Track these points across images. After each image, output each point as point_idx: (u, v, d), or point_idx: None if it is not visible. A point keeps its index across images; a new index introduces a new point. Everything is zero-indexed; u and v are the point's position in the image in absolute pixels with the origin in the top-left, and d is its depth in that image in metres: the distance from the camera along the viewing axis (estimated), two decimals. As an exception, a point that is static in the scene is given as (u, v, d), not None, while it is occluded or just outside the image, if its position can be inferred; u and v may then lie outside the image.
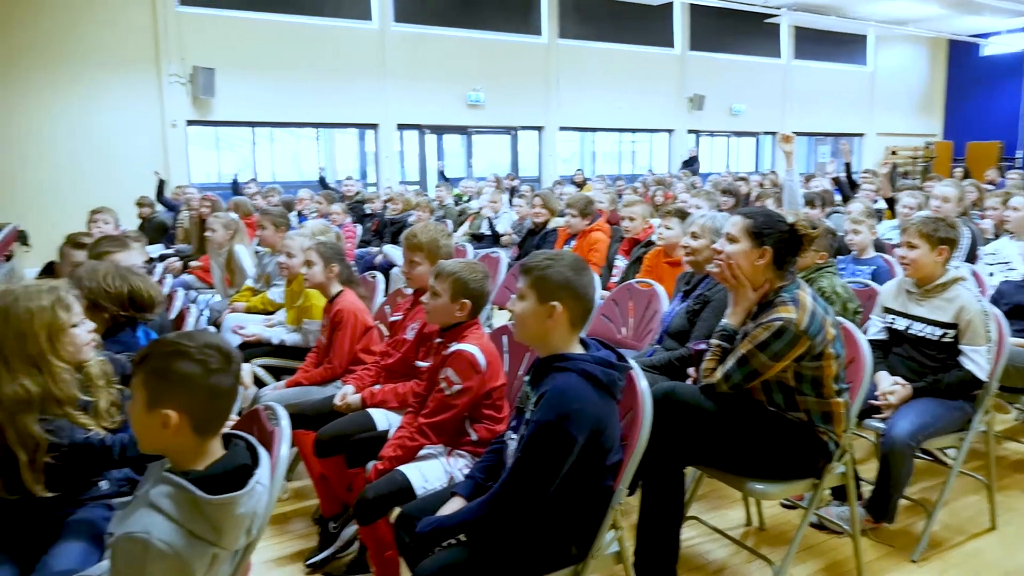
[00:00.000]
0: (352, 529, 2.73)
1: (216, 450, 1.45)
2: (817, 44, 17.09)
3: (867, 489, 2.76)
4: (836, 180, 7.73)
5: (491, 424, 2.34)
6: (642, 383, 1.96)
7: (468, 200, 9.38)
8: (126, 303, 2.39)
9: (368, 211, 7.82)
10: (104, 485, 2.01)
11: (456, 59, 12.83)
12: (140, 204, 8.11)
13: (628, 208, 4.67)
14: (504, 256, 4.68)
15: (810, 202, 5.39)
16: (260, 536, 1.51)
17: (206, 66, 10.61)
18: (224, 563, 1.42)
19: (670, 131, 15.77)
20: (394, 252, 6.32)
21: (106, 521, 1.95)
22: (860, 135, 18.17)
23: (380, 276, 3.91)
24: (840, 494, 2.81)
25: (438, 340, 2.44)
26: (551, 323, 1.82)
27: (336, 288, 3.13)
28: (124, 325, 2.44)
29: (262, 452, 1.50)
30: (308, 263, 3.07)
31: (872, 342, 2.56)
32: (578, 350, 1.86)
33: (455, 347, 2.29)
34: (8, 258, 7.37)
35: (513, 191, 9.56)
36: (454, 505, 1.91)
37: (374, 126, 12.56)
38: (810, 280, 2.99)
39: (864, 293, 3.27)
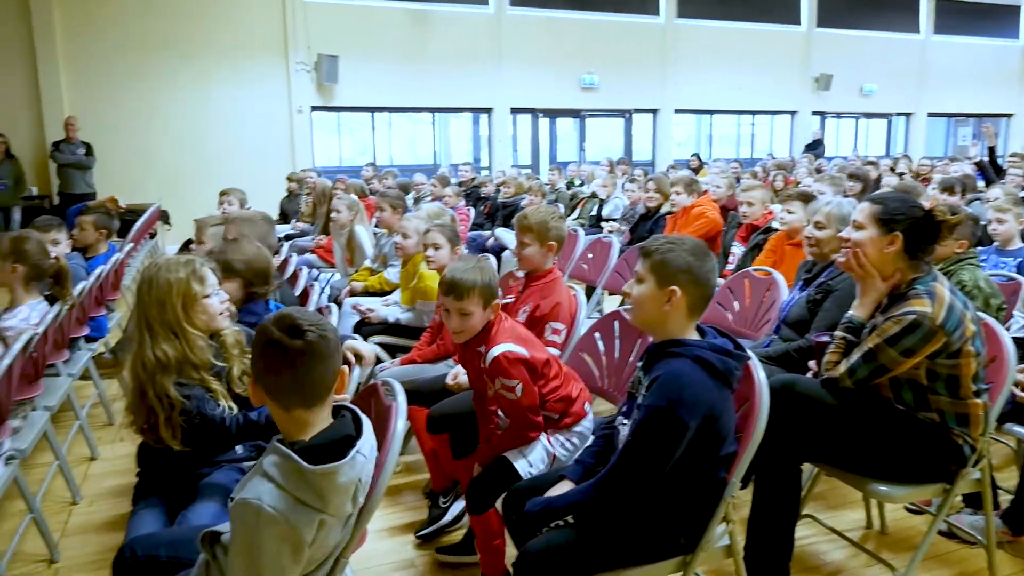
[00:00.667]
0: (461, 504, 2.80)
1: (323, 421, 1.51)
2: (961, 17, 15.82)
3: (1005, 499, 2.57)
4: (979, 164, 7.16)
5: (561, 394, 2.30)
6: (759, 374, 1.90)
7: (580, 184, 9.34)
8: (258, 277, 2.56)
9: (481, 194, 7.93)
10: (239, 450, 2.15)
11: (571, 42, 12.75)
12: (290, 179, 8.68)
13: (747, 193, 4.51)
14: (616, 241, 4.63)
15: (949, 188, 5.02)
16: (376, 505, 1.57)
17: (330, 54, 11.03)
18: (335, 529, 1.48)
19: (793, 113, 15.08)
20: (506, 235, 6.39)
21: (236, 484, 2.08)
22: (1008, 116, 16.73)
23: (492, 258, 3.96)
24: (974, 502, 2.63)
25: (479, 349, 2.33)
26: (669, 308, 1.79)
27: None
28: (257, 298, 2.60)
29: (366, 423, 1.56)
30: (434, 245, 3.15)
31: (1016, 340, 2.36)
32: (694, 337, 1.82)
33: (490, 355, 2.21)
34: (152, 235, 7.97)
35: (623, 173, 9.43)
36: (562, 488, 1.92)
37: (488, 110, 12.69)
38: (949, 272, 2.80)
39: (1008, 287, 3.02)
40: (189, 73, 10.47)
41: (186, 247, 8.65)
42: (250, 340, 2.21)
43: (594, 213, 7.14)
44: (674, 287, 1.78)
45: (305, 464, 1.39)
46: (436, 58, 11.87)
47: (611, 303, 5.03)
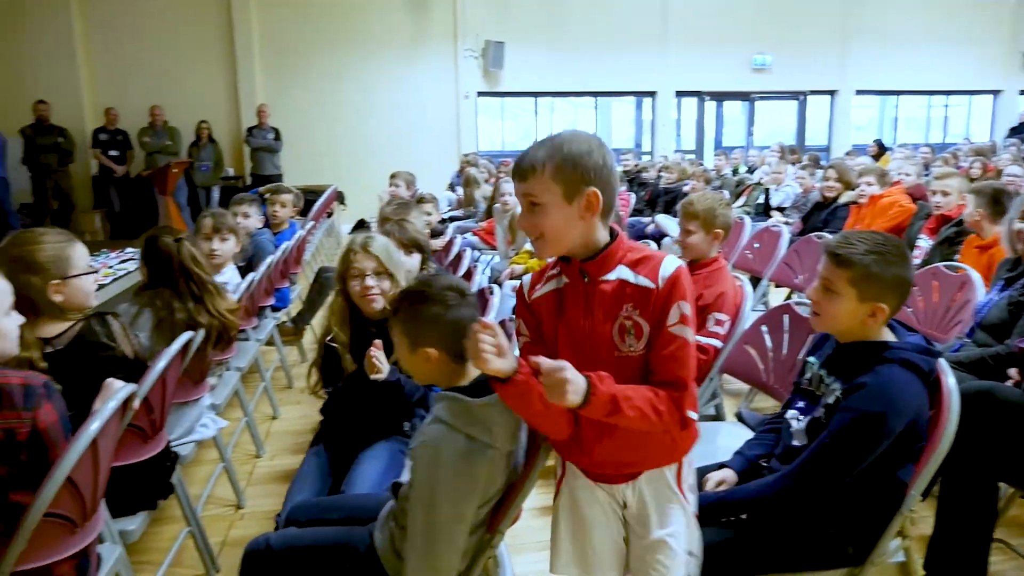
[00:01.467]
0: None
1: (472, 370, 1.61)
2: None
3: None
4: None
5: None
6: (949, 379, 1.73)
7: (747, 170, 8.95)
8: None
9: (642, 180, 7.81)
10: (406, 427, 2.28)
11: (742, 21, 12.17)
12: (466, 162, 9.09)
13: (941, 181, 4.13)
14: (785, 231, 4.39)
15: None
16: (532, 483, 1.61)
17: (497, 40, 11.24)
18: (500, 467, 1.58)
19: (995, 92, 13.56)
20: (666, 222, 6.25)
21: (402, 454, 2.22)
22: None
23: (653, 245, 3.89)
24: None
25: None
26: (871, 321, 1.67)
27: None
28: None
29: None
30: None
31: None
32: (891, 337, 1.70)
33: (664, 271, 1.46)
34: (329, 215, 8.54)
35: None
36: (719, 476, 1.87)
37: (652, 94, 12.43)
38: None
39: None
40: (367, 63, 11.06)
41: (360, 226, 9.20)
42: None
43: (761, 201, 6.82)
44: (881, 304, 1.65)
45: (470, 399, 1.52)
46: (600, 43, 11.76)
47: (777, 295, 4.79)
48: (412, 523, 1.53)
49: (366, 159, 10.82)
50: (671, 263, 1.44)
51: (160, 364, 1.94)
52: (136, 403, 1.79)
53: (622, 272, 1.46)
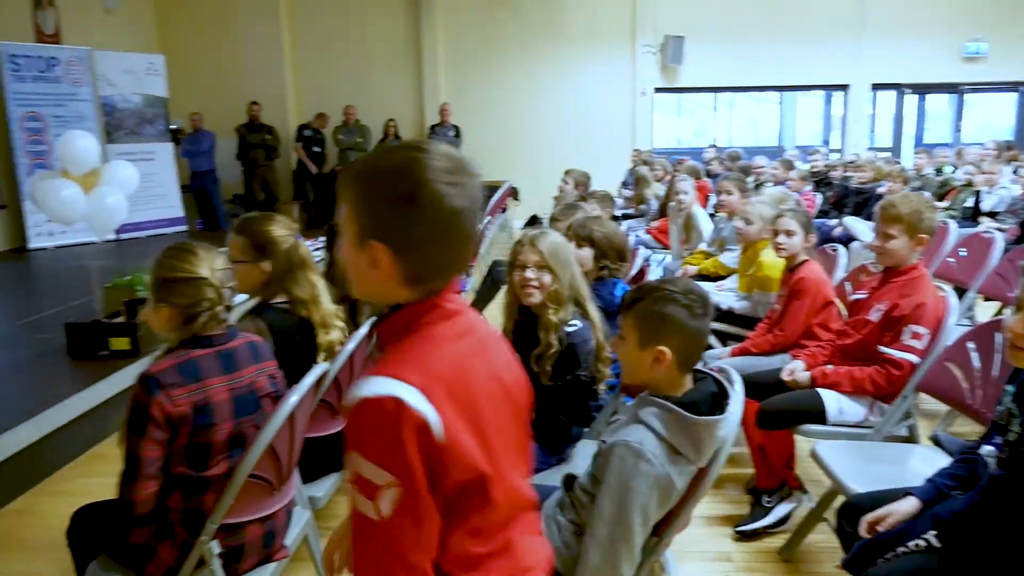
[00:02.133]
0: (787, 507, 2.65)
1: (688, 382, 1.62)
2: None
3: None
4: None
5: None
6: None
7: (953, 170, 8.12)
8: (614, 252, 2.67)
9: (829, 179, 7.32)
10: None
11: (954, 4, 11.03)
12: (638, 159, 9.08)
13: None
14: (999, 238, 3.95)
15: None
16: (706, 491, 1.57)
17: (676, 34, 10.99)
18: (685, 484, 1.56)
19: None
20: (856, 224, 5.81)
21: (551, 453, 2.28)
22: None
23: (842, 249, 3.64)
24: None
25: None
26: None
27: (803, 257, 3.02)
28: (606, 278, 2.72)
29: (732, 387, 1.63)
30: (787, 232, 2.99)
31: None
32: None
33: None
34: (504, 210, 8.77)
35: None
36: (906, 506, 1.72)
37: (844, 87, 11.61)
38: None
39: None
40: (544, 61, 11.23)
41: (532, 222, 9.37)
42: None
43: (969, 204, 6.16)
44: None
45: (690, 415, 1.50)
46: (787, 34, 11.14)
47: (985, 310, 4.32)
48: (598, 520, 1.53)
49: (540, 156, 10.99)
50: (374, 388, 0.94)
51: (349, 345, 2.09)
52: (328, 381, 1.94)
53: None
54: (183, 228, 9.50)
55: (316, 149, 10.49)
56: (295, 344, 2.13)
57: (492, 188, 8.76)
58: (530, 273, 2.29)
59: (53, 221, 4.93)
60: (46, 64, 8.25)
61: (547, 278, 2.28)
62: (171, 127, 9.72)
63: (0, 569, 2.53)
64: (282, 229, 2.19)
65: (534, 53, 11.20)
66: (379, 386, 0.92)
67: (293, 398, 1.65)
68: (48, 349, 4.13)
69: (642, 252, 3.90)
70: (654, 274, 3.85)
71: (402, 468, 0.91)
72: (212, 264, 1.73)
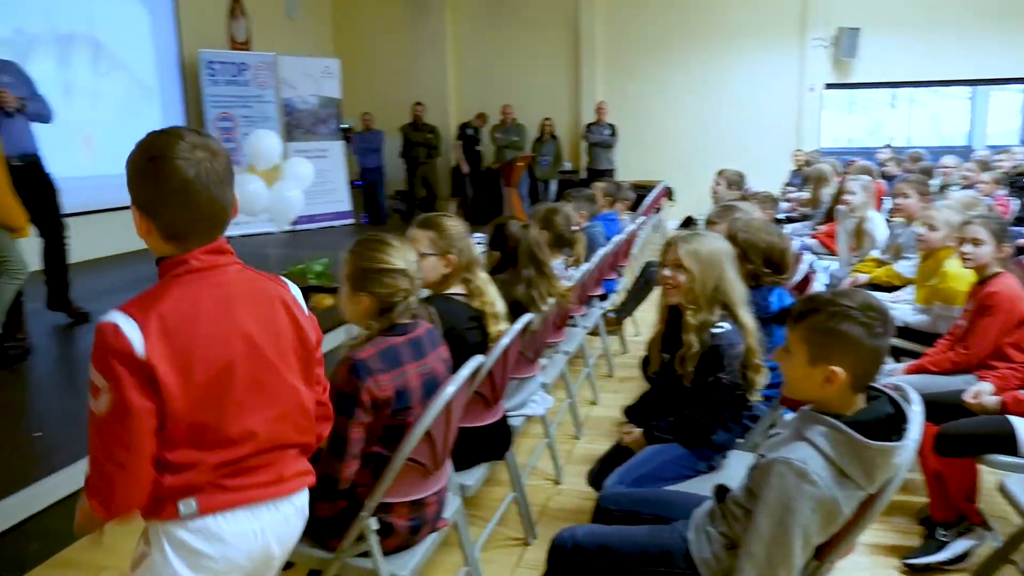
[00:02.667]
0: (966, 544, 2.41)
1: (861, 400, 1.50)
2: None
3: None
4: None
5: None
6: None
7: None
8: (767, 260, 2.55)
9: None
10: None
11: None
12: (800, 156, 8.67)
13: None
14: None
15: None
16: (875, 516, 1.46)
17: (851, 26, 10.30)
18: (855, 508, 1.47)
19: None
20: (1059, 235, 5.20)
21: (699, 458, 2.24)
22: None
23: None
24: None
25: None
26: None
27: (995, 269, 2.74)
28: (760, 283, 2.59)
29: (911, 410, 1.50)
30: (974, 241, 2.72)
31: None
32: None
33: None
34: (657, 210, 8.62)
35: None
36: None
37: (1048, 80, 10.40)
38: None
39: None
40: (705, 58, 10.89)
41: (687, 223, 9.15)
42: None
43: None
44: None
45: (863, 439, 1.40)
46: (980, 23, 10.12)
47: None
48: (754, 538, 1.47)
49: (697, 155, 10.69)
50: (106, 316, 1.22)
51: (504, 340, 2.13)
52: (483, 373, 1.99)
53: None
54: (350, 221, 10.10)
55: (477, 148, 10.80)
56: (466, 332, 2.22)
57: (646, 188, 8.63)
58: (668, 272, 2.27)
59: (239, 212, 5.40)
60: (237, 69, 9.04)
61: (683, 278, 2.24)
62: (342, 126, 10.34)
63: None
64: (461, 226, 2.30)
65: (695, 49, 10.90)
66: (110, 316, 1.20)
67: (450, 388, 1.71)
68: (231, 329, 4.51)
69: (806, 258, 3.68)
70: (819, 282, 3.64)
71: (112, 378, 1.17)
72: (407, 256, 1.81)
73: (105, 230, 7.41)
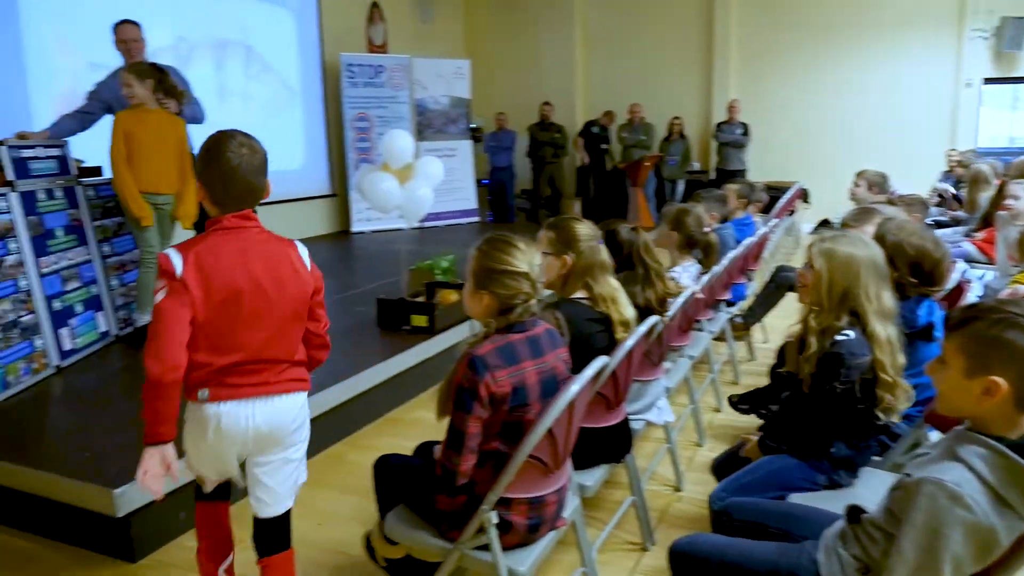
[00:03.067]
0: None
1: None
2: None
3: None
4: None
5: None
6: None
7: None
8: (916, 268, 2.38)
9: None
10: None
11: None
12: (953, 156, 8.08)
13: None
14: None
15: None
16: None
17: (1017, 15, 9.44)
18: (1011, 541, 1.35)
19: None
20: None
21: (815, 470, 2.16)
22: None
23: None
24: None
25: None
26: None
27: None
28: (907, 294, 2.42)
29: None
30: None
31: None
32: None
33: None
34: (791, 213, 8.24)
35: None
36: None
37: None
38: None
39: None
40: (846, 52, 10.32)
41: (822, 226, 8.70)
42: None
43: None
44: None
45: None
46: None
47: None
48: (899, 563, 1.37)
49: (836, 155, 10.14)
50: (166, 251, 1.77)
51: (629, 342, 2.10)
52: (606, 374, 1.97)
53: None
54: (475, 219, 10.30)
55: (603, 146, 10.75)
56: (592, 336, 2.22)
57: (779, 189, 8.28)
58: (803, 269, 2.21)
59: (372, 209, 5.60)
60: (374, 71, 9.42)
61: (810, 277, 2.16)
62: (471, 126, 10.56)
63: (312, 503, 2.95)
64: (587, 230, 2.29)
65: (836, 43, 10.33)
66: (167, 250, 1.74)
67: (574, 387, 1.70)
68: (362, 321, 4.72)
69: (958, 266, 3.41)
70: (973, 293, 3.36)
71: (161, 287, 1.70)
72: (531, 259, 1.84)
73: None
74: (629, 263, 2.83)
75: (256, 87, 8.30)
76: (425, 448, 2.13)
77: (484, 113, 11.44)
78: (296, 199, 8.83)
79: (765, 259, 5.42)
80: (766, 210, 6.28)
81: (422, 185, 4.60)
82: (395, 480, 2.04)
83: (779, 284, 4.73)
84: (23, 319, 3.57)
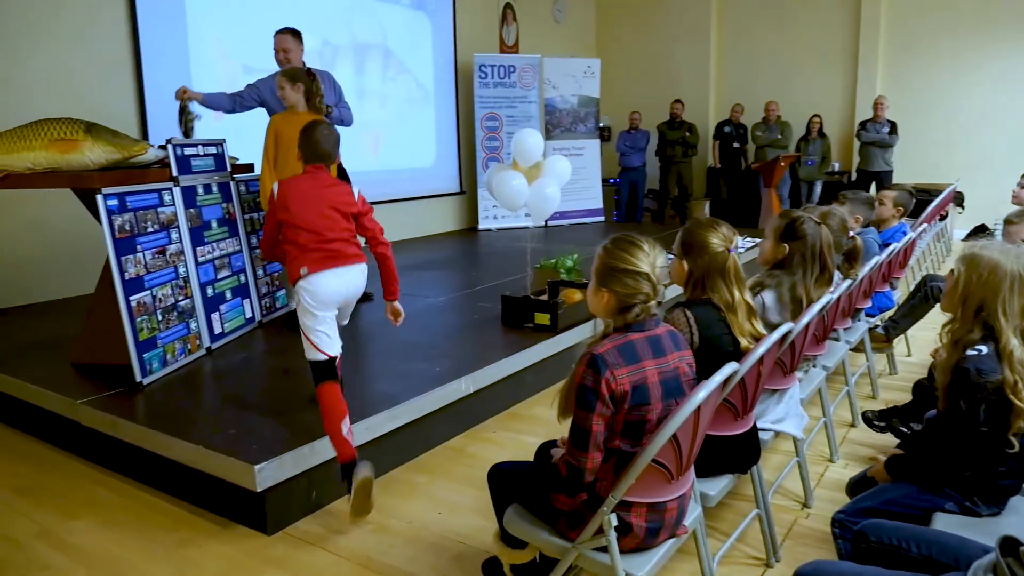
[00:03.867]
0: None
1: None
2: None
3: None
4: None
5: None
6: None
7: None
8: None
9: None
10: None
11: None
12: None
13: None
14: None
15: None
16: None
17: None
18: None
19: None
20: None
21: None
22: None
23: None
24: None
25: None
26: None
27: None
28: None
29: None
30: None
31: None
32: None
33: None
34: (942, 217, 7.66)
35: None
36: None
37: None
38: None
39: None
40: (1010, 43, 9.44)
41: (978, 232, 8.04)
42: None
43: None
44: None
45: None
46: None
47: None
48: None
49: (995, 155, 9.34)
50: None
51: (760, 348, 2.02)
52: (735, 380, 1.90)
53: None
54: (601, 219, 10.25)
55: (735, 145, 10.42)
56: (719, 339, 2.16)
57: (928, 192, 7.71)
58: (947, 275, 2.09)
59: (499, 207, 5.69)
60: (505, 71, 9.56)
61: (949, 283, 2.03)
62: (599, 125, 10.50)
63: (433, 493, 3.04)
64: (716, 237, 2.21)
65: (996, 33, 9.48)
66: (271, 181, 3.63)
67: (701, 394, 1.66)
68: (487, 316, 4.81)
69: None
70: None
71: (265, 199, 3.87)
72: (654, 260, 1.83)
73: (390, 220, 8.27)
74: (801, 256, 2.73)
75: (392, 88, 8.63)
76: (544, 450, 2.15)
77: (612, 112, 11.34)
78: (427, 196, 9.11)
79: (911, 267, 5.06)
80: (914, 214, 5.86)
81: (550, 184, 4.62)
82: (511, 483, 2.06)
83: (927, 294, 4.41)
84: (181, 303, 3.88)
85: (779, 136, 9.93)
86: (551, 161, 4.73)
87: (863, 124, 9.59)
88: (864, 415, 3.48)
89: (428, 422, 3.44)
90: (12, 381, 3.74)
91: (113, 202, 3.52)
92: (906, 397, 3.54)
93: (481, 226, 9.42)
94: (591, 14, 12.01)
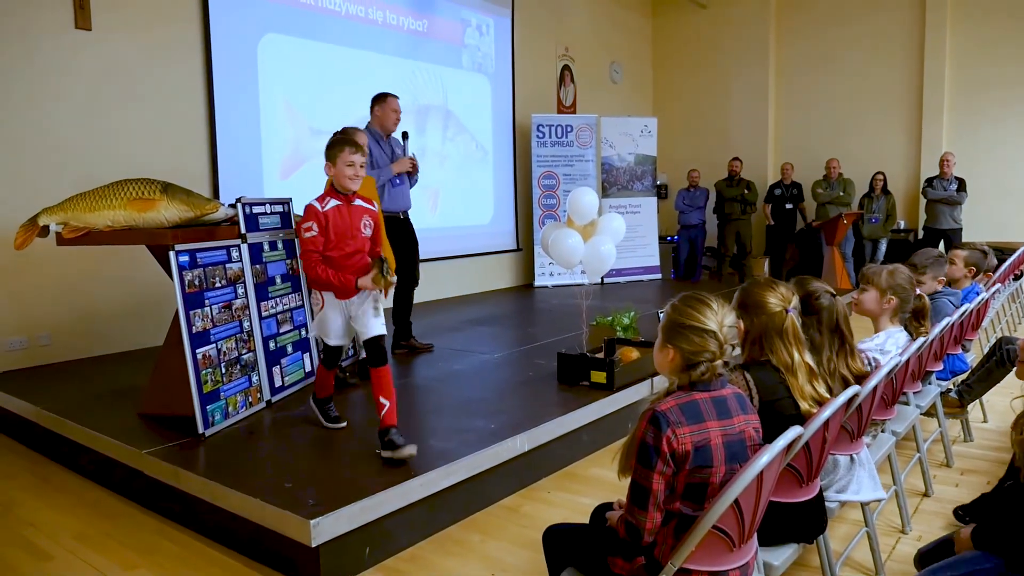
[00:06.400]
0: None
1: None
2: None
3: None
4: None
5: None
6: None
7: None
8: None
9: None
10: None
11: None
12: None
13: None
14: None
15: None
16: None
17: None
18: None
19: None
20: None
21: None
22: None
23: None
24: None
25: None
26: None
27: None
28: None
29: None
30: None
31: None
32: None
33: None
34: (1017, 277, 7.35)
35: None
36: None
37: None
38: None
39: None
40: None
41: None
42: None
43: None
44: None
45: None
46: None
47: None
48: None
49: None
50: (310, 201, 3.56)
51: (826, 412, 1.96)
52: (799, 445, 1.84)
53: None
54: (657, 276, 10.18)
55: (788, 206, 10.29)
56: (779, 401, 2.10)
57: (1003, 250, 7.43)
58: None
59: (555, 264, 5.72)
60: (563, 131, 9.72)
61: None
62: (657, 183, 10.52)
63: (486, 552, 2.99)
64: (773, 297, 2.17)
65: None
66: (312, 202, 3.44)
67: (764, 458, 1.61)
68: (542, 373, 4.79)
69: None
70: None
71: (308, 222, 3.40)
72: (722, 319, 1.80)
73: (449, 276, 8.41)
74: (818, 328, 2.62)
75: (452, 147, 8.85)
76: (600, 512, 2.10)
77: (669, 169, 11.37)
78: (484, 253, 9.22)
79: (983, 328, 4.86)
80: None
81: (606, 241, 4.63)
82: (567, 545, 2.02)
83: (1001, 357, 4.21)
84: (244, 356, 3.99)
85: (841, 193, 9.78)
86: (606, 219, 4.74)
87: (929, 181, 9.38)
88: (955, 511, 3.30)
89: (483, 480, 3.40)
90: (82, 430, 3.87)
91: (184, 258, 3.67)
92: (982, 465, 3.36)
93: (537, 283, 9.46)
94: (648, 73, 12.17)
